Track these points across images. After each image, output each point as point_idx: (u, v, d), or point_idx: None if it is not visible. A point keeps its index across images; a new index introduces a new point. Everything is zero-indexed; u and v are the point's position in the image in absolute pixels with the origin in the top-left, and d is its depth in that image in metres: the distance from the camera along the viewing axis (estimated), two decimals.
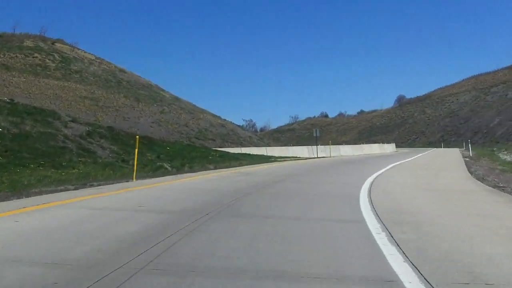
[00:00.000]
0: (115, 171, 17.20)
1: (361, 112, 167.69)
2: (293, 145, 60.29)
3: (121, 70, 77.02)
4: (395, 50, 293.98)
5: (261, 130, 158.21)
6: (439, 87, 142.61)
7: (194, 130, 54.87)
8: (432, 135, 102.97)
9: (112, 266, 4.13)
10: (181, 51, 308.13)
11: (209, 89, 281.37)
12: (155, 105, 59.85)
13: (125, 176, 15.15)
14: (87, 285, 3.62)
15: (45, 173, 14.37)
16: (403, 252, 4.89)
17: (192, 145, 38.34)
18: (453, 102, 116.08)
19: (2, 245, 4.98)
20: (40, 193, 10.17)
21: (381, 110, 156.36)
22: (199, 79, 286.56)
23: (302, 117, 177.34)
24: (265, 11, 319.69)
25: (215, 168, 22.14)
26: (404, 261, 4.53)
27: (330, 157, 41.00)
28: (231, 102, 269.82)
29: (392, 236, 5.69)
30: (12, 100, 27.65)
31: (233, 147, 45.18)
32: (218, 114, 76.02)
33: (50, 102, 45.64)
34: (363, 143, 72.71)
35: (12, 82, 49.53)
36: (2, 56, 59.54)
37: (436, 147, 77.13)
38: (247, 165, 24.85)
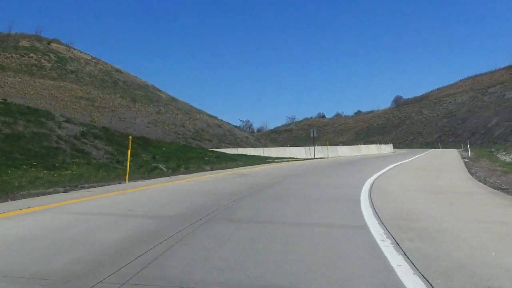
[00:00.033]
0: (109, 172, 16.88)
1: (358, 112, 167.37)
2: (290, 146, 60.00)
3: (117, 70, 76.59)
4: (392, 51, 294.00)
5: (258, 130, 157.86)
6: (436, 87, 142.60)
7: (190, 130, 54.46)
8: (430, 135, 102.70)
9: (91, 281, 3.71)
10: (178, 51, 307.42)
11: (206, 89, 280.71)
12: (151, 105, 59.44)
13: (119, 178, 14.76)
14: None
15: (37, 175, 14.08)
16: (411, 262, 4.50)
17: (188, 146, 37.95)
18: (450, 102, 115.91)
19: None
20: (28, 195, 9.80)
21: (378, 110, 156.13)
22: (196, 80, 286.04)
23: (299, 117, 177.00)
24: (263, 12, 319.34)
25: (212, 169, 21.77)
26: (414, 273, 4.13)
27: (327, 158, 40.63)
28: (228, 103, 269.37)
29: (398, 244, 5.29)
30: (5, 100, 27.23)
31: (229, 147, 44.80)
32: (215, 115, 75.74)
33: (45, 102, 45.18)
34: (360, 144, 72.43)
35: (7, 82, 49.06)
36: None
37: (434, 148, 76.85)
38: (243, 166, 24.48)
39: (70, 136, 23.14)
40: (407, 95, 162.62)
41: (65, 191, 11.01)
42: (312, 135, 45.08)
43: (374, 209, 8.23)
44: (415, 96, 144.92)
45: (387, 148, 60.60)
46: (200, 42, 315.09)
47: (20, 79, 52.02)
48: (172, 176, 16.26)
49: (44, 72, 59.57)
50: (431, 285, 3.79)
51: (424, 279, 3.94)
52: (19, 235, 5.60)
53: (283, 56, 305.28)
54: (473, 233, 6.07)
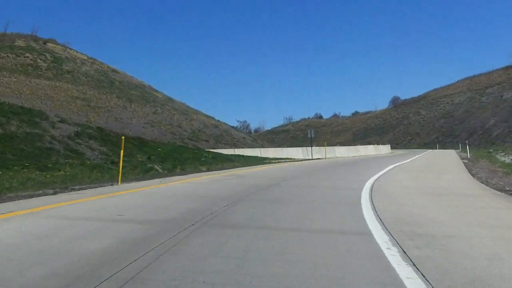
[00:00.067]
0: (103, 173, 16.54)
1: (356, 113, 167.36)
2: (287, 147, 59.61)
3: (114, 70, 76.23)
4: (390, 51, 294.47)
5: (255, 131, 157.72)
6: (433, 88, 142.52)
7: (187, 131, 54.06)
8: (427, 136, 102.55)
9: None
10: (175, 51, 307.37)
11: (203, 90, 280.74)
12: (148, 105, 59.06)
13: (113, 179, 14.35)
14: None
15: (28, 176, 13.75)
16: (422, 274, 4.10)
17: (185, 146, 37.55)
18: (448, 103, 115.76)
19: None
20: (16, 198, 9.38)
21: (375, 111, 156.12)
22: (193, 80, 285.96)
23: (296, 118, 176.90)
24: (260, 13, 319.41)
25: (208, 170, 21.37)
26: None
27: (325, 158, 40.25)
28: (225, 103, 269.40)
29: (405, 253, 4.89)
30: None
31: (226, 148, 44.45)
32: (211, 115, 75.47)
33: (41, 102, 44.73)
34: (357, 145, 72.19)
35: (2, 82, 48.63)
36: None
37: (432, 149, 76.68)
38: (240, 166, 24.08)
39: (64, 137, 22.78)
40: (405, 95, 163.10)
41: (55, 193, 10.58)
42: (309, 136, 44.71)
43: (376, 212, 7.85)
44: (413, 96, 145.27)
45: (385, 149, 60.29)
46: (197, 42, 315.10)
47: (15, 79, 51.58)
48: (167, 178, 15.83)
49: (39, 72, 59.16)
50: None
51: None
52: None
53: (281, 57, 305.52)
54: (485, 240, 5.67)
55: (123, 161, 20.80)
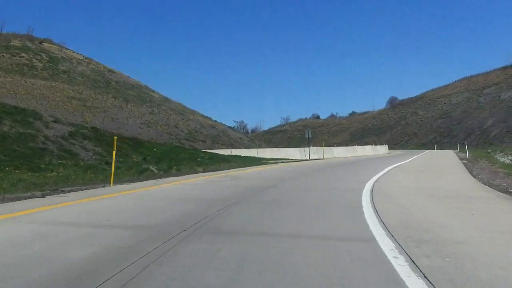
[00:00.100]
0: (98, 174, 16.18)
1: (353, 113, 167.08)
2: (284, 147, 59.26)
3: (110, 70, 75.77)
4: (387, 51, 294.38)
5: (253, 131, 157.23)
6: (431, 88, 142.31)
7: (184, 131, 53.63)
8: (425, 136, 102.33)
9: None
10: (172, 51, 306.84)
11: (200, 90, 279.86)
12: (144, 105, 58.62)
13: (107, 180, 13.97)
14: None
15: (20, 176, 13.43)
16: None
17: (181, 147, 37.17)
18: (445, 103, 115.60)
19: None
20: (3, 200, 8.98)
21: (373, 111, 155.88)
22: (189, 80, 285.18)
23: (293, 118, 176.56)
24: (257, 12, 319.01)
25: (204, 170, 20.98)
26: None
27: (323, 159, 39.88)
28: (222, 103, 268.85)
29: (414, 262, 4.49)
30: None
31: (223, 148, 44.07)
32: (208, 115, 75.07)
33: (36, 102, 44.25)
34: (355, 145, 71.88)
35: None
36: None
37: (429, 149, 76.42)
38: (237, 167, 23.69)
39: (58, 137, 22.39)
40: (402, 96, 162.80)
41: (43, 195, 10.19)
42: (307, 136, 44.35)
43: (379, 216, 7.46)
44: (410, 97, 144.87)
45: (383, 149, 59.98)
46: (194, 42, 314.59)
47: (11, 79, 51.09)
48: (161, 179, 15.41)
49: (35, 72, 58.69)
50: None
51: None
52: None
53: (278, 57, 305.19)
54: (498, 247, 5.27)
55: (117, 161, 20.54)
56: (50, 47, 72.96)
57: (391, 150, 66.23)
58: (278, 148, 50.82)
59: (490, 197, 10.92)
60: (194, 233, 5.81)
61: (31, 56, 64.14)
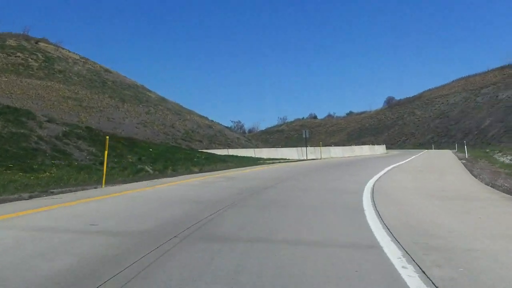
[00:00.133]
0: (91, 174, 15.80)
1: (350, 113, 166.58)
2: (281, 147, 58.90)
3: (106, 70, 75.27)
4: (384, 51, 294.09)
5: (250, 131, 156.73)
6: (428, 88, 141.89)
7: (180, 131, 53.23)
8: (422, 136, 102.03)
9: None
10: (168, 51, 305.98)
11: (197, 90, 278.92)
12: (140, 105, 58.17)
13: (100, 181, 13.59)
14: None
15: (11, 177, 13.07)
16: None
17: (177, 147, 36.78)
18: (443, 103, 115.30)
19: None
20: None
21: (370, 111, 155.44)
22: (186, 80, 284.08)
23: (290, 118, 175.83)
24: (254, 12, 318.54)
25: (200, 170, 20.60)
26: None
27: (320, 159, 39.52)
28: (219, 103, 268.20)
29: (425, 273, 4.10)
30: None
31: (220, 148, 43.71)
32: (205, 115, 74.63)
33: (32, 102, 43.78)
34: (352, 145, 71.55)
35: None
36: None
37: (427, 149, 76.10)
38: (234, 167, 23.30)
39: (52, 137, 22.00)
40: (399, 95, 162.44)
41: (30, 197, 9.76)
42: (304, 136, 44.02)
43: (382, 219, 7.07)
44: (408, 96, 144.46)
45: (380, 149, 59.69)
46: (191, 42, 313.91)
47: (6, 79, 50.58)
48: (155, 180, 15.00)
49: (31, 72, 58.16)
50: None
51: None
52: None
53: (275, 57, 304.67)
54: None
55: (112, 162, 20.20)
56: (46, 46, 72.39)
57: (388, 150, 65.90)
58: (275, 148, 50.45)
59: (495, 198, 10.55)
60: (186, 240, 5.40)
61: (27, 55, 63.59)
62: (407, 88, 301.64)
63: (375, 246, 5.25)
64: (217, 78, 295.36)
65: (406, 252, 4.91)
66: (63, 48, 76.78)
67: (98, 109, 49.73)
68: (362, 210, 8.17)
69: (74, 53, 77.78)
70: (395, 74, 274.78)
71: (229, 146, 50.40)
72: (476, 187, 13.51)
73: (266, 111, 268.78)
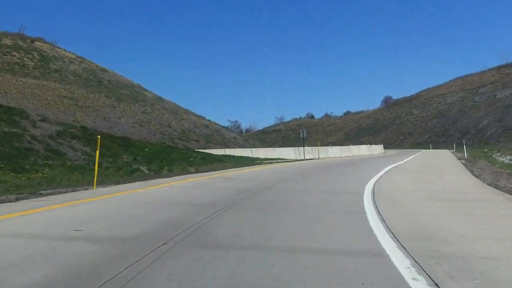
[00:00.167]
0: (85, 175, 15.38)
1: (348, 113, 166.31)
2: (279, 146, 58.54)
3: (103, 69, 74.91)
4: (382, 51, 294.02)
5: (247, 131, 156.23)
6: (426, 88, 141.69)
7: (177, 130, 52.87)
8: (420, 136, 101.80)
9: None
10: (165, 50, 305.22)
11: (194, 89, 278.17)
12: (137, 105, 57.81)
13: (93, 181, 13.15)
14: None
15: (2, 178, 12.64)
16: None
17: (173, 146, 36.40)
18: (440, 103, 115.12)
19: None
20: None
21: (367, 111, 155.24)
22: (183, 79, 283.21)
23: (288, 118, 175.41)
24: (251, 12, 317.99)
25: (197, 170, 20.20)
26: None
27: (318, 159, 39.15)
28: (216, 103, 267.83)
29: (438, 286, 3.71)
30: None
31: (217, 148, 43.33)
32: (202, 115, 74.27)
33: (27, 101, 43.43)
34: (350, 144, 71.24)
35: None
36: None
37: (425, 149, 75.79)
38: (230, 168, 22.88)
39: (45, 136, 21.55)
40: (397, 95, 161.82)
41: (17, 199, 9.32)
42: (301, 135, 43.60)
43: (385, 223, 6.68)
44: (405, 96, 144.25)
45: (378, 149, 59.30)
46: (188, 42, 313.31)
47: (1, 78, 50.23)
48: (149, 181, 14.57)
49: (26, 71, 57.81)
50: None
51: None
52: None
53: (272, 57, 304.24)
54: None
55: (107, 162, 19.80)
56: (42, 46, 72.02)
57: (386, 150, 65.55)
58: (272, 148, 50.05)
59: (500, 200, 10.19)
60: (176, 247, 4.97)
61: (23, 55, 63.23)
62: (404, 87, 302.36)
63: (381, 254, 4.85)
64: (213, 78, 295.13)
65: (415, 261, 4.51)
66: (59, 47, 76.48)
67: (94, 109, 49.38)
68: (364, 212, 7.79)
69: (70, 52, 77.50)
70: (392, 73, 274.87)
71: (226, 145, 50.06)
72: (479, 188, 13.15)
73: (263, 111, 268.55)
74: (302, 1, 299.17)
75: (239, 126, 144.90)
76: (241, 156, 35.06)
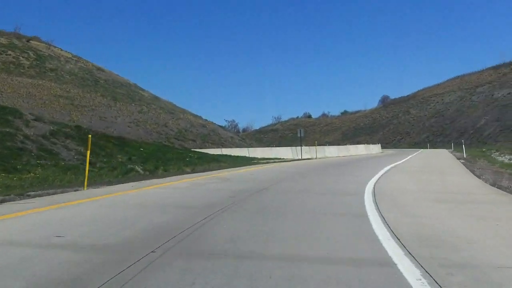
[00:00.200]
0: (78, 175, 15.01)
1: (345, 112, 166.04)
2: (276, 146, 58.16)
3: (99, 69, 74.41)
4: (379, 50, 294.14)
5: (244, 130, 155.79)
6: (423, 87, 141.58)
7: (173, 130, 52.43)
8: (417, 135, 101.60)
9: None
10: (162, 50, 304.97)
11: (191, 89, 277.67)
12: (133, 104, 57.34)
13: (88, 181, 12.76)
14: None
15: None
16: None
17: (169, 146, 36.00)
18: (438, 102, 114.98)
19: None
20: None
21: (365, 110, 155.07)
22: (180, 79, 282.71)
23: (285, 117, 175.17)
24: (249, 12, 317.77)
25: (192, 170, 19.80)
26: None
27: (315, 158, 38.78)
28: (213, 102, 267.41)
29: None
30: None
31: (214, 148, 42.94)
32: (199, 114, 73.90)
33: (22, 100, 42.92)
34: (347, 144, 70.89)
35: None
36: None
37: (422, 148, 75.53)
38: (227, 167, 22.48)
39: (38, 136, 21.14)
40: (394, 95, 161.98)
41: (3, 201, 8.90)
42: (299, 135, 43.24)
43: (390, 227, 6.29)
44: (402, 96, 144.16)
45: (376, 148, 58.98)
46: (185, 41, 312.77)
47: None
48: (143, 181, 14.15)
49: (22, 70, 57.25)
50: None
51: None
52: None
53: (269, 56, 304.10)
54: None
55: (101, 162, 19.41)
56: (38, 45, 71.45)
57: (383, 150, 65.23)
58: (269, 148, 49.67)
59: (506, 201, 9.84)
60: (164, 256, 4.56)
61: (18, 54, 62.64)
62: (402, 87, 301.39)
63: (388, 263, 4.45)
64: (210, 77, 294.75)
65: (426, 271, 4.13)
66: (55, 47, 75.90)
67: (90, 108, 48.92)
68: (366, 215, 7.39)
69: (66, 51, 76.95)
70: (390, 73, 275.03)
71: (223, 145, 49.66)
72: (482, 189, 12.79)
73: (261, 110, 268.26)
74: (301, 1, 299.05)
75: (236, 125, 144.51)
76: (238, 156, 34.69)
